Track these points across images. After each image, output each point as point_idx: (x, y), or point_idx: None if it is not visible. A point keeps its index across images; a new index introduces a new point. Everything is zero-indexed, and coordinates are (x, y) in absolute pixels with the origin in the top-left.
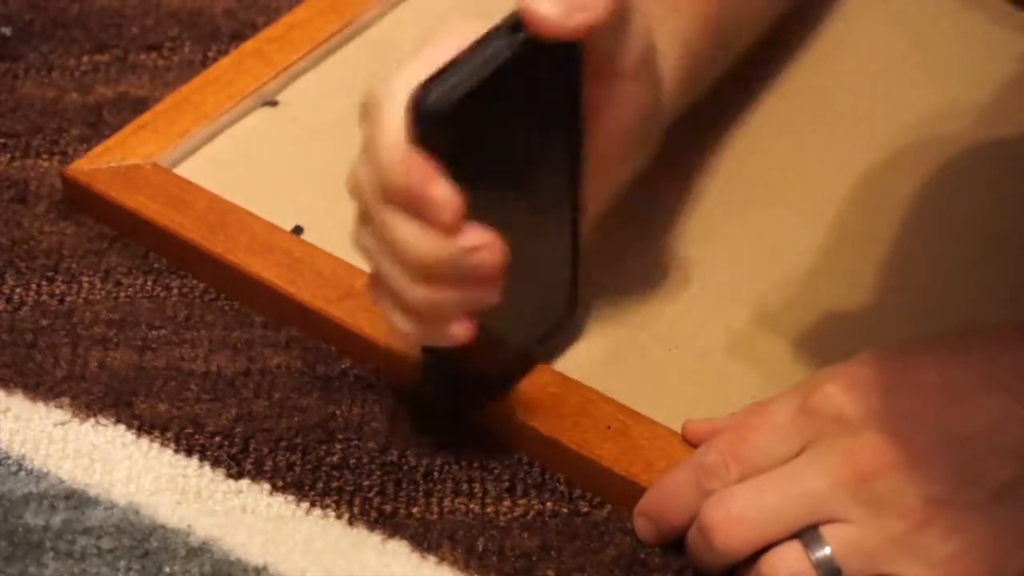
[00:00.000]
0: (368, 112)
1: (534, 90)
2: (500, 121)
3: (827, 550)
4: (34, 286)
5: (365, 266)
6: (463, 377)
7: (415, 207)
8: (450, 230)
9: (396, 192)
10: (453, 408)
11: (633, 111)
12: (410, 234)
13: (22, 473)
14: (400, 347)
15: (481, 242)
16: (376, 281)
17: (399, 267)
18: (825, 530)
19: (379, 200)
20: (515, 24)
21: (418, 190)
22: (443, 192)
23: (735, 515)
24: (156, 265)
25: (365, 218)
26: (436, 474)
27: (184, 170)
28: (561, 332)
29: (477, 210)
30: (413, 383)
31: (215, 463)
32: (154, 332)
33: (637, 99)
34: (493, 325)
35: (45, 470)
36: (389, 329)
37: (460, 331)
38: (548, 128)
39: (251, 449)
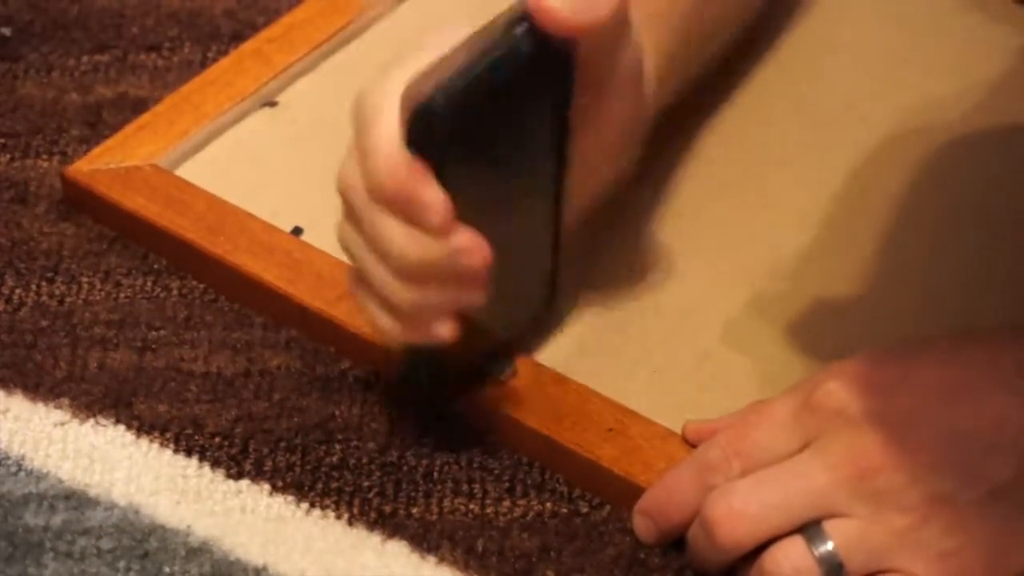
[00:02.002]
0: (359, 112)
1: (526, 91)
2: (492, 120)
3: (830, 545)
4: (34, 287)
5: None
6: (441, 372)
7: (405, 210)
8: (439, 233)
9: (386, 194)
10: (431, 402)
11: (620, 123)
12: (398, 235)
13: (22, 473)
14: (380, 340)
15: (468, 245)
16: (359, 278)
17: (385, 267)
18: (828, 525)
19: (368, 200)
20: (511, 21)
21: (409, 193)
22: (434, 196)
23: (737, 509)
24: (156, 266)
25: (352, 217)
26: (436, 474)
27: (184, 171)
28: (538, 323)
29: (463, 206)
30: (392, 377)
31: (215, 463)
32: (154, 333)
33: (625, 112)
34: (474, 319)
35: (45, 470)
36: (370, 325)
37: (444, 330)
38: (537, 129)
39: (251, 450)
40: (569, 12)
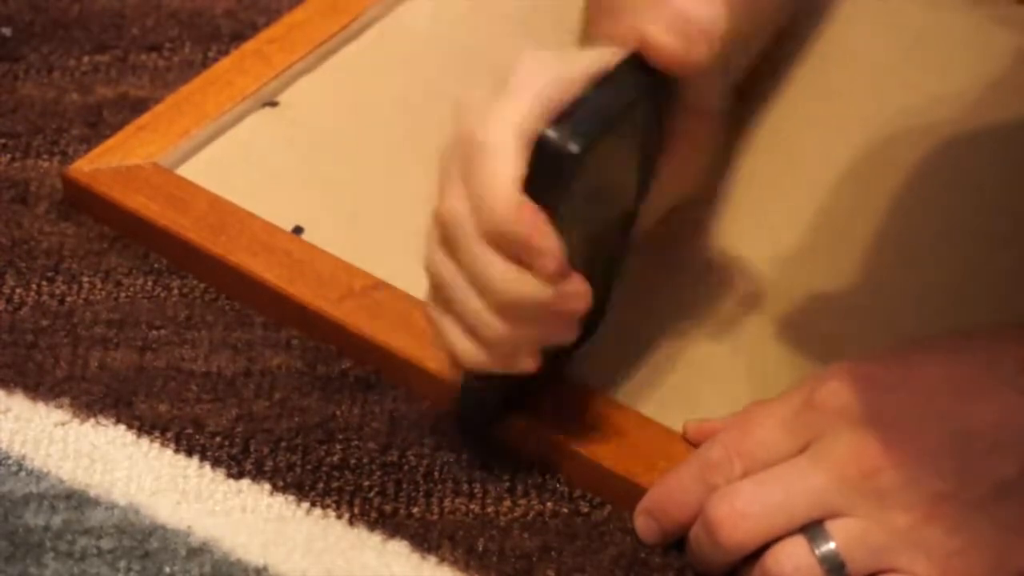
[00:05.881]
0: (467, 145)
1: (638, 128)
2: (611, 160)
3: (832, 544)
4: (34, 286)
5: (364, 266)
6: (500, 398)
7: (519, 253)
8: (552, 279)
9: (502, 237)
10: (487, 430)
11: (709, 144)
12: (505, 274)
13: (22, 473)
14: (449, 370)
15: (577, 290)
16: (442, 303)
17: (482, 299)
18: (830, 524)
19: (475, 235)
20: (629, 61)
21: (527, 239)
22: (552, 243)
23: (740, 509)
24: (156, 265)
25: (451, 246)
26: (436, 474)
27: (184, 171)
28: (587, 345)
29: (565, 243)
30: (451, 406)
31: (215, 463)
32: (154, 332)
33: (715, 134)
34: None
35: (45, 470)
36: (446, 349)
37: (529, 364)
38: (635, 162)
39: (251, 449)
40: (682, 52)
